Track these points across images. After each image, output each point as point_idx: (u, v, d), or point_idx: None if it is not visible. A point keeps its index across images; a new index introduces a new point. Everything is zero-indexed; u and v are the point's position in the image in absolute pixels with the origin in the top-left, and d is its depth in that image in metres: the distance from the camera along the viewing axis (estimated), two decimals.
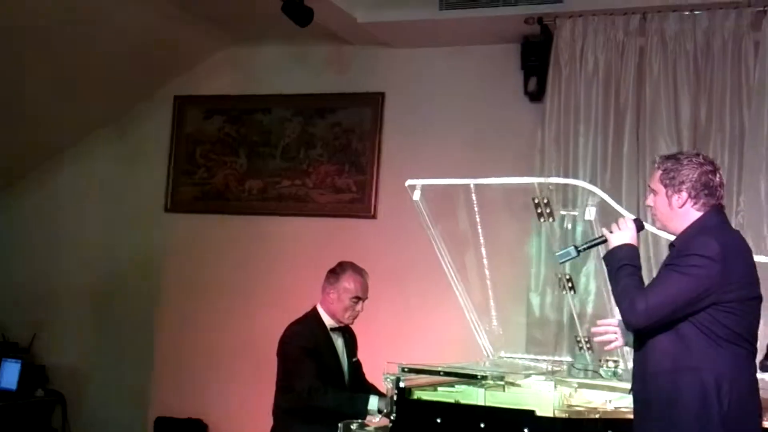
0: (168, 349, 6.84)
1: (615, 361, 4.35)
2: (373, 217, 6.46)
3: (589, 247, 3.29)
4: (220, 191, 6.85)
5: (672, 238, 3.14)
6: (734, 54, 5.19)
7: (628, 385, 3.77)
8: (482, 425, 3.33)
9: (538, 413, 3.32)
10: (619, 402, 3.65)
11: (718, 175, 3.11)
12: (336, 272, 4.46)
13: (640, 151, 5.33)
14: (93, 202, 7.15)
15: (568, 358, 4.62)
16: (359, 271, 4.47)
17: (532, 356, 4.69)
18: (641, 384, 3.09)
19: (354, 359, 4.51)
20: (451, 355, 5.57)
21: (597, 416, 3.44)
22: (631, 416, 3.41)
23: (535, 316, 5.42)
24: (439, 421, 3.39)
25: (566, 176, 5.42)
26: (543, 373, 4.07)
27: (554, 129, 5.54)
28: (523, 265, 5.59)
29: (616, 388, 3.85)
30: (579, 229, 4.41)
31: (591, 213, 3.55)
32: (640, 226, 3.21)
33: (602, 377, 4.23)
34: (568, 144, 5.49)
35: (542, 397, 3.45)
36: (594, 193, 3.61)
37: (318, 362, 4.27)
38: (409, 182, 3.91)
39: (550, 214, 3.75)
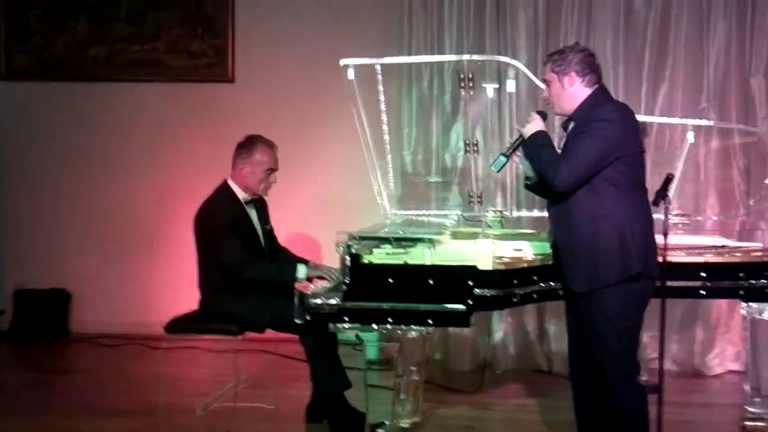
0: (18, 222, 6.65)
1: (500, 211, 4.91)
2: (231, 81, 6.48)
3: (514, 149, 3.66)
4: (61, 59, 6.54)
5: None
6: None
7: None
8: (431, 282, 3.73)
9: (480, 267, 3.76)
10: (527, 250, 4.16)
11: (595, 58, 3.62)
12: (247, 146, 4.56)
13: (501, 16, 5.71)
14: None
15: (456, 212, 5.09)
16: (269, 144, 4.60)
17: (423, 212, 5.13)
18: (565, 235, 3.57)
19: (267, 227, 4.70)
20: (334, 214, 5.93)
21: (525, 265, 3.93)
22: (547, 263, 3.97)
23: (408, 173, 5.82)
24: (391, 281, 3.74)
25: (432, 40, 5.75)
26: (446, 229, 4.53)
27: None
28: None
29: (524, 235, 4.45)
30: None
31: (512, 85, 3.92)
32: (544, 116, 3.68)
33: (489, 226, 4.78)
34: (433, 9, 5.76)
35: (480, 252, 3.89)
36: (514, 66, 3.95)
37: (240, 235, 4.45)
38: (343, 62, 4.04)
39: (472, 87, 4.09)
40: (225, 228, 4.40)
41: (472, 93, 4.18)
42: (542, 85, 4.14)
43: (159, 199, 6.57)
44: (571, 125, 3.57)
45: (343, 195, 6.20)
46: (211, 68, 6.46)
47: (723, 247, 4.54)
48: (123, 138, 6.55)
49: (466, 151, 4.67)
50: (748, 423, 4.54)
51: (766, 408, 4.57)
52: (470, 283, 3.72)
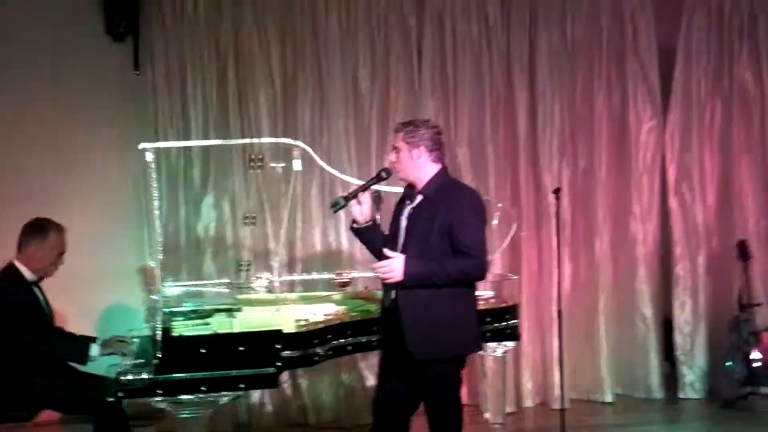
0: None
1: (267, 278, 5.26)
2: None
3: (353, 197, 4.03)
4: None
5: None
6: (312, 6, 6.21)
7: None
8: (241, 348, 3.98)
9: (285, 331, 4.08)
10: (309, 312, 4.56)
11: (443, 136, 4.06)
12: (40, 231, 4.56)
13: (242, 94, 6.11)
14: None
15: (226, 280, 5.35)
16: (61, 228, 4.63)
17: (193, 282, 5.32)
18: (419, 306, 3.83)
19: (50, 306, 4.66)
20: (78, 289, 5.86)
21: (322, 326, 4.32)
22: (337, 322, 4.41)
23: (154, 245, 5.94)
24: (203, 351, 3.93)
25: (178, 117, 5.99)
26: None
27: (163, 70, 6.01)
28: None
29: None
30: None
31: (298, 164, 4.31)
32: (388, 174, 4.05)
33: (256, 291, 5.14)
34: (176, 85, 6.01)
35: (283, 317, 4.20)
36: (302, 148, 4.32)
37: (32, 314, 4.40)
38: (142, 145, 4.16)
39: (261, 166, 4.43)
40: (18, 306, 4.38)
41: (260, 170, 4.52)
42: (324, 165, 4.66)
43: None
44: (420, 198, 3.93)
45: (85, 269, 6.14)
46: None
47: None
48: None
49: (245, 223, 4.99)
50: None
51: None
52: (277, 346, 4.03)
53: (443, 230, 3.82)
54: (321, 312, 4.47)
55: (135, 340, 4.52)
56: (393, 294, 3.92)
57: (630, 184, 6.70)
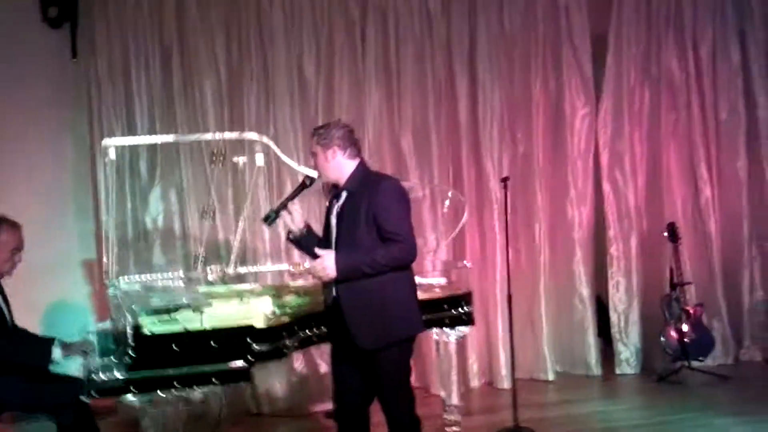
0: None
1: (220, 270, 5.25)
2: None
3: (282, 208, 4.12)
4: None
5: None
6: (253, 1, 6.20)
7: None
8: (213, 343, 3.99)
9: (256, 326, 4.10)
10: (272, 305, 4.60)
11: (354, 133, 4.13)
12: None
13: (188, 85, 6.05)
14: None
15: (178, 272, 5.31)
16: (14, 224, 4.51)
17: (146, 275, 5.26)
18: (356, 294, 3.94)
19: (8, 307, 4.56)
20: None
21: (287, 320, 4.35)
22: (303, 314, 4.45)
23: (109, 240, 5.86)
24: (175, 348, 3.93)
25: (123, 108, 5.90)
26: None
27: (106, 59, 5.91)
28: None
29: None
30: None
31: (260, 159, 4.33)
32: (312, 181, 4.16)
33: (211, 283, 5.13)
34: (119, 75, 5.92)
35: (252, 311, 4.22)
36: (263, 143, 4.35)
37: None
38: (105, 142, 4.08)
39: (222, 161, 4.43)
40: None
41: (221, 165, 4.52)
42: (284, 157, 4.70)
43: None
44: (345, 195, 4.02)
45: (26, 261, 6.02)
46: None
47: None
48: None
49: (202, 217, 4.97)
50: (446, 429, 5.42)
51: (458, 414, 5.48)
52: (249, 340, 4.06)
53: (369, 221, 3.91)
54: (285, 304, 4.51)
55: (92, 338, 4.46)
56: (333, 291, 4.01)
57: (566, 169, 6.89)
